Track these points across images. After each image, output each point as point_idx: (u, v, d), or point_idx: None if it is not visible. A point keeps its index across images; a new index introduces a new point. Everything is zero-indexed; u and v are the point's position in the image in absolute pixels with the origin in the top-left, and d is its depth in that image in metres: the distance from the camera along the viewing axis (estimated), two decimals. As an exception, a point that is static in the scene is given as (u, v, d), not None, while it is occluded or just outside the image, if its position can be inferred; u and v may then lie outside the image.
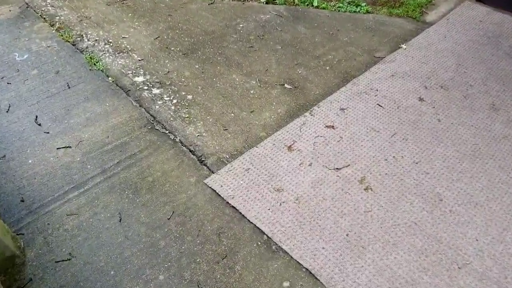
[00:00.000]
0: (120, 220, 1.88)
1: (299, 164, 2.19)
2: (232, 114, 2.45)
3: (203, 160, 2.17)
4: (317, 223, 1.91)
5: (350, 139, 2.34)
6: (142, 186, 2.03)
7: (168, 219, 1.89)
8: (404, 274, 1.75)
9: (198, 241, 1.82)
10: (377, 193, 2.06)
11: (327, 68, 2.88)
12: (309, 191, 2.05)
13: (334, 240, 1.85)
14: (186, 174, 2.09)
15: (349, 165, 2.20)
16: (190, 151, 2.22)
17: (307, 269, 1.74)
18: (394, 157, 2.25)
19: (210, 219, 1.90)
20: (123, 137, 2.27)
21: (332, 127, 2.42)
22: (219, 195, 2.00)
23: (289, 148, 2.27)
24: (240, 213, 1.94)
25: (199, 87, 2.64)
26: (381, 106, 2.57)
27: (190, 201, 1.97)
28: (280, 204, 1.98)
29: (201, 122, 2.38)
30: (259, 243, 1.82)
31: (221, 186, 2.04)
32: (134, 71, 2.75)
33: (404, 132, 2.41)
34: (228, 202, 1.98)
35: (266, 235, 1.86)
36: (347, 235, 1.88)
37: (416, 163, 2.23)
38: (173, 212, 1.92)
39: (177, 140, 2.27)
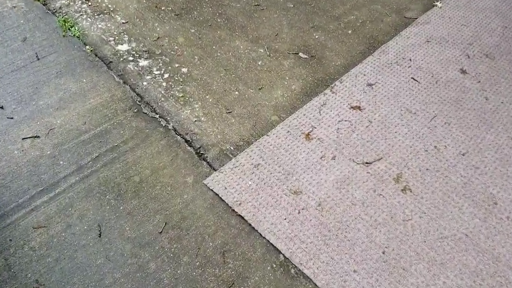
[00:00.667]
0: (100, 234, 1.50)
1: (320, 158, 1.78)
2: (237, 92, 2.01)
3: (202, 154, 1.76)
4: (346, 236, 1.54)
5: (381, 124, 1.92)
6: (127, 189, 1.63)
7: (160, 232, 1.52)
8: (456, 305, 1.40)
9: (198, 263, 1.45)
10: (418, 195, 1.68)
11: (349, 31, 2.40)
12: (334, 194, 1.66)
13: (367, 260, 1.49)
14: (181, 173, 1.69)
15: (381, 158, 1.80)
16: (186, 141, 1.80)
17: (334, 298, 1.40)
18: (435, 147, 1.84)
19: (212, 232, 1.52)
20: (103, 124, 1.85)
21: (359, 108, 1.98)
22: (223, 200, 1.61)
23: (307, 136, 1.85)
24: (249, 224, 1.56)
25: (196, 57, 2.17)
26: (416, 81, 2.12)
27: (187, 209, 1.58)
28: (299, 212, 1.60)
29: (199, 103, 1.95)
30: (274, 265, 1.46)
31: (225, 188, 1.64)
32: (116, 38, 2.27)
33: (446, 114, 1.98)
34: (234, 210, 1.59)
35: (283, 255, 1.49)
36: (383, 252, 1.51)
37: (463, 155, 1.82)
38: (165, 223, 1.54)
39: (170, 127, 1.85)
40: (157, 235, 1.51)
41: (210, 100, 1.97)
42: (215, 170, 1.70)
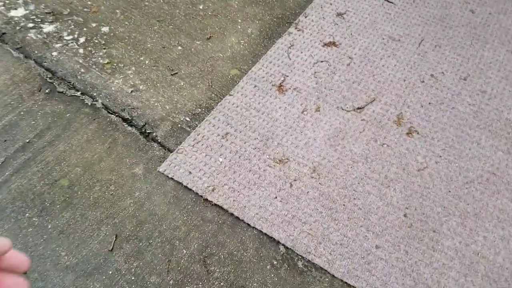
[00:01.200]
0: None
1: (302, 112, 1.40)
2: (180, 48, 1.55)
3: (149, 133, 1.31)
4: (355, 204, 1.19)
5: (363, 59, 1.56)
6: (54, 199, 1.17)
7: (111, 250, 1.09)
8: (507, 264, 1.12)
9: (172, 281, 1.05)
10: (427, 136, 1.36)
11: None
12: (329, 153, 1.30)
13: (389, 228, 1.16)
14: (125, 163, 1.24)
15: (374, 99, 1.45)
16: (125, 120, 1.34)
17: (360, 288, 1.06)
18: (432, 75, 1.52)
19: (183, 235, 1.12)
20: (5, 116, 1.33)
21: (333, 43, 1.61)
22: (190, 189, 1.20)
23: (280, 88, 1.46)
24: (231, 214, 1.16)
25: (117, 11, 1.66)
26: (390, 2, 1.77)
27: (143, 210, 1.15)
28: (291, 185, 1.22)
29: (133, 68, 1.48)
30: (275, 261, 1.09)
31: (189, 172, 1.22)
32: (7, 1, 1.69)
33: (434, 36, 1.66)
34: (207, 199, 1.18)
35: (283, 245, 1.12)
36: (405, 215, 1.19)
37: (465, 80, 1.52)
38: (116, 236, 1.11)
39: (99, 104, 1.37)
40: (107, 254, 1.08)
41: (147, 62, 1.50)
42: (171, 152, 1.27)
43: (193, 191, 1.19)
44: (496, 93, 1.48)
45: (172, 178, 1.21)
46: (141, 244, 1.10)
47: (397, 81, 1.50)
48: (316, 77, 1.49)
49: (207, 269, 1.07)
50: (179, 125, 1.33)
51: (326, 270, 1.08)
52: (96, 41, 1.55)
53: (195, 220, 1.15)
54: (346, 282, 1.06)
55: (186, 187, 1.20)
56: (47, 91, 1.40)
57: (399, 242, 1.14)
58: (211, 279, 1.05)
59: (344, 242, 1.12)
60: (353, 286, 1.06)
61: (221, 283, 1.04)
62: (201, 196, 1.18)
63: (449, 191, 1.24)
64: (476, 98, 1.47)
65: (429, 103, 1.44)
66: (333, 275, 1.07)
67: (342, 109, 1.41)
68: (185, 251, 1.09)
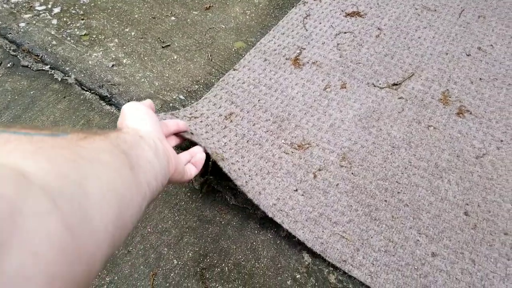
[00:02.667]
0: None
1: (324, 89, 1.13)
2: (173, 18, 1.29)
3: (133, 113, 1.04)
4: (401, 200, 0.91)
5: (395, 30, 1.30)
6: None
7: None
8: None
9: (157, 304, 0.76)
10: (482, 117, 1.08)
11: None
12: (361, 137, 1.02)
13: (446, 231, 0.86)
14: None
15: (413, 74, 1.18)
16: (102, 98, 1.07)
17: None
18: (479, 48, 1.26)
19: (173, 241, 0.83)
20: (-48, 94, 1.07)
21: (358, 14, 1.35)
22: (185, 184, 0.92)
23: (296, 62, 1.19)
24: (237, 214, 0.88)
25: (101, -19, 1.42)
26: (420, -27, 1.52)
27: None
28: (315, 176, 0.94)
29: (116, 40, 1.21)
30: (298, 275, 0.80)
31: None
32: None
33: (475, 6, 1.40)
34: (208, 182, 0.90)
35: (309, 253, 0.83)
36: (465, 213, 0.90)
37: (519, 53, 1.25)
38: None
39: (71, 80, 1.10)
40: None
41: (133, 33, 1.24)
42: (160, 134, 1.00)
43: (186, 184, 0.91)
44: (559, 68, 1.21)
45: (160, 167, 0.93)
46: (117, 252, 0.81)
47: (437, 55, 1.23)
48: (339, 50, 1.23)
49: (205, 285, 0.77)
50: (170, 104, 1.06)
51: (368, 287, 0.79)
52: (74, 11, 1.29)
53: (190, 221, 0.86)
54: (399, 304, 0.77)
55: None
56: (8, 65, 1.13)
57: (463, 248, 0.84)
58: (211, 300, 0.76)
59: (390, 249, 0.83)
60: (410, 310, 0.77)
61: (225, 307, 0.75)
62: (198, 187, 0.90)
63: (520, 183, 0.95)
64: (535, 73, 1.20)
65: (480, 79, 1.17)
66: (380, 295, 0.78)
67: (374, 86, 1.14)
68: (176, 262, 0.80)
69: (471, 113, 1.09)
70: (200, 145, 0.82)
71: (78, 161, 0.32)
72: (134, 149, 0.44)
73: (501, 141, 1.03)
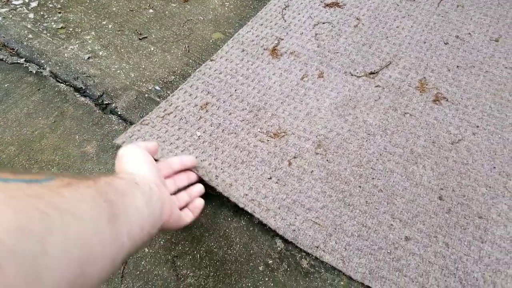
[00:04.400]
0: None
1: (302, 78, 1.13)
2: (151, 10, 1.29)
3: (107, 104, 1.03)
4: (375, 186, 0.91)
5: (374, 20, 1.30)
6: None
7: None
8: None
9: (128, 292, 0.75)
10: (458, 103, 1.08)
11: None
12: (337, 124, 1.02)
13: (420, 215, 0.86)
14: (74, 140, 0.96)
15: (390, 62, 1.18)
16: (77, 90, 1.06)
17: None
18: (457, 36, 1.26)
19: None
20: None
21: (337, 4, 1.35)
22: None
23: (274, 52, 1.19)
24: (211, 202, 0.87)
25: (80, -25, 1.41)
26: (400, -36, 1.52)
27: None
28: (290, 163, 0.94)
29: (93, 33, 1.21)
30: (270, 260, 0.79)
31: (161, 148, 0.94)
32: None
33: (454, -4, 1.40)
34: (179, 182, 0.90)
35: (281, 239, 0.83)
36: (440, 198, 0.89)
37: (496, 41, 1.25)
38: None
39: (46, 73, 1.09)
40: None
41: (110, 26, 1.23)
42: (132, 124, 0.99)
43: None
44: (536, 54, 1.22)
45: (133, 157, 0.93)
46: (87, 242, 0.80)
47: (415, 43, 1.23)
48: (317, 40, 1.22)
49: (176, 273, 0.77)
50: (146, 95, 1.05)
51: (340, 271, 0.78)
52: (51, 5, 1.29)
53: (162, 209, 0.85)
54: (368, 286, 0.77)
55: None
56: (-17, 59, 1.12)
57: (436, 232, 0.84)
58: (182, 286, 0.75)
59: (363, 234, 0.83)
60: (382, 294, 0.77)
61: (196, 293, 0.75)
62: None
63: (494, 167, 0.95)
64: (512, 60, 1.20)
65: (457, 67, 1.17)
66: (350, 277, 0.77)
67: (352, 75, 1.14)
68: (147, 250, 0.80)
69: (447, 100, 1.09)
70: (204, 179, 0.84)
71: (49, 212, 0.31)
72: (123, 197, 0.44)
73: (477, 127, 1.03)
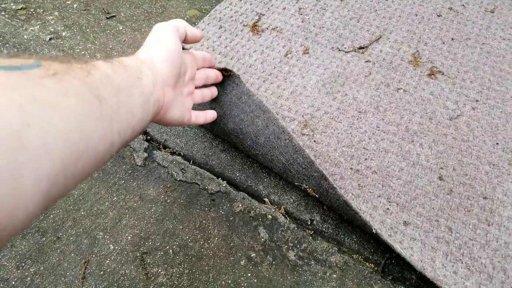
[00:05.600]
0: None
1: (285, 55, 1.03)
2: (120, -12, 1.19)
3: (70, 87, 0.94)
4: (369, 167, 0.82)
5: (361, -6, 1.21)
6: None
7: None
8: None
9: (90, 295, 0.66)
10: (455, 77, 1.00)
11: None
12: (325, 103, 0.93)
13: (420, 197, 0.78)
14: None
15: (380, 36, 1.09)
16: (36, 73, 0.96)
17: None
18: (450, 8, 1.17)
19: (110, 224, 0.72)
20: None
21: (321, -22, 1.26)
22: (123, 158, 0.81)
23: (254, 28, 1.09)
24: (184, 191, 0.78)
25: (43, -46, 1.30)
26: None
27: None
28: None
29: (55, 13, 1.10)
30: (253, 253, 0.70)
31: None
32: None
33: (445, -32, 1.32)
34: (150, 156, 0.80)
35: (265, 229, 0.73)
36: (440, 178, 0.81)
37: (492, 12, 1.17)
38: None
39: (2, 56, 0.99)
40: None
41: (75, 6, 1.12)
42: (100, 108, 0.90)
43: (127, 160, 0.81)
44: (535, 25, 1.14)
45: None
46: (44, 239, 0.70)
47: (406, 16, 1.15)
48: (301, 14, 1.13)
49: (146, 271, 0.67)
50: (113, 76, 0.95)
51: (332, 262, 0.69)
52: (10, -15, 1.18)
53: (130, 201, 0.76)
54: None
55: (119, 155, 0.81)
56: None
57: (438, 216, 0.76)
58: (153, 286, 0.66)
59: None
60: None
61: (168, 293, 0.65)
62: (141, 165, 0.80)
63: (497, 144, 0.87)
64: (510, 32, 1.12)
65: (452, 39, 1.09)
66: (344, 269, 0.69)
67: (339, 50, 1.05)
68: (112, 247, 0.70)
69: (443, 74, 1.00)
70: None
71: (27, 105, 0.28)
72: (118, 94, 0.39)
73: (477, 101, 0.95)
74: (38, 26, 1.05)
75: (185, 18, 1.11)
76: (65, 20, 1.08)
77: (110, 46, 1.01)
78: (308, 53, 1.04)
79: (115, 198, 0.76)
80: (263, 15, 1.13)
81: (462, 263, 0.70)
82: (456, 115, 0.92)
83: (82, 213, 0.74)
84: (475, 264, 0.70)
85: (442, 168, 0.83)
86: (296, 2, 1.16)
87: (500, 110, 0.93)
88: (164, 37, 0.51)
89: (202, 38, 0.64)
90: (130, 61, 0.46)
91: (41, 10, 1.10)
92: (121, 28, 1.06)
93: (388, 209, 0.76)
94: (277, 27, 1.09)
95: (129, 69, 0.44)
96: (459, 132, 0.89)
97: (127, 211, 0.74)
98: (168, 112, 0.52)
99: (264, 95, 0.93)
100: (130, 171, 0.79)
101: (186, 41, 0.59)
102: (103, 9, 1.11)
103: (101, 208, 0.74)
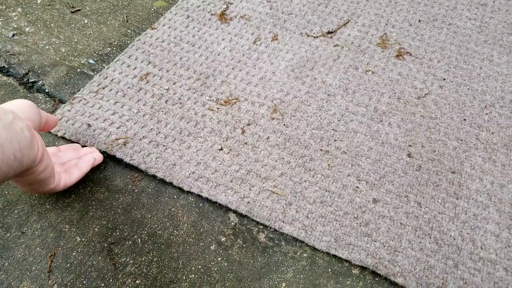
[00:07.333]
0: None
1: (254, 42, 1.03)
2: (85, -18, 1.17)
3: (33, 82, 0.91)
4: (338, 147, 0.82)
5: (329, -20, 1.21)
6: None
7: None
8: (561, 203, 0.76)
9: (57, 287, 0.64)
10: (423, 57, 1.00)
11: None
12: (294, 87, 0.93)
13: (389, 175, 0.78)
14: (-6, 123, 0.84)
15: (348, 21, 1.09)
16: (-1, 69, 0.94)
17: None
18: (417, -9, 1.19)
19: (76, 217, 0.71)
20: None
21: (289, -34, 1.25)
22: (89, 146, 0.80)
23: (222, 16, 1.09)
24: (154, 177, 0.77)
25: (5, -49, 1.27)
26: None
27: (14, 186, 0.75)
28: (243, 131, 0.84)
29: (19, 9, 1.08)
30: (223, 238, 0.69)
31: (89, 125, 0.82)
32: None
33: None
34: (119, 159, 0.79)
35: (235, 213, 0.73)
36: (408, 155, 0.81)
37: (455, 9, 1.19)
38: (-31, 227, 0.70)
39: (-38, 53, 0.96)
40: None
41: (39, 1, 1.10)
42: (63, 102, 0.87)
43: (96, 149, 0.79)
44: (500, 5, 1.16)
45: (63, 137, 0.81)
46: (8, 235, 0.69)
47: (374, 0, 1.15)
48: (269, 2, 1.13)
49: (113, 261, 0.66)
50: (78, 70, 0.93)
51: (302, 242, 0.69)
52: (-29, -18, 1.15)
53: (97, 193, 0.74)
54: (334, 255, 0.68)
55: (84, 146, 0.80)
56: None
57: (407, 192, 0.76)
58: (121, 276, 0.64)
59: (327, 199, 0.74)
60: (346, 260, 0.68)
61: (137, 281, 0.64)
62: (105, 152, 0.78)
63: (464, 119, 0.88)
64: (476, 11, 1.13)
65: (419, 21, 1.10)
66: (314, 247, 0.68)
67: (308, 35, 1.05)
68: (79, 239, 0.68)
69: (411, 54, 1.01)
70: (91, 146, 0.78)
71: None
72: None
73: (444, 79, 0.96)
74: (0, 23, 1.03)
75: (152, 9, 1.10)
76: (28, 16, 1.05)
77: (75, 40, 1.00)
78: (277, 39, 1.03)
79: (81, 190, 0.74)
80: (231, 3, 1.12)
81: (430, 237, 0.70)
82: (424, 94, 0.93)
83: (48, 206, 0.72)
84: (444, 238, 0.70)
85: (410, 145, 0.83)
86: (264, -10, 1.16)
87: (467, 87, 0.95)
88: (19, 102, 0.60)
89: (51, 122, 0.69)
90: None
91: (4, 7, 1.08)
92: (86, 21, 1.05)
93: (357, 187, 0.76)
94: (245, 15, 1.09)
95: None
96: (427, 110, 0.90)
97: (93, 202, 0.73)
98: (45, 155, 0.59)
99: (233, 82, 0.93)
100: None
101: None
102: (68, 3, 1.09)
103: (67, 201, 0.73)
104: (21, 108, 0.57)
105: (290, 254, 0.67)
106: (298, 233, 0.69)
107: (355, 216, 0.72)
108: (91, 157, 0.73)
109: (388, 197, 0.75)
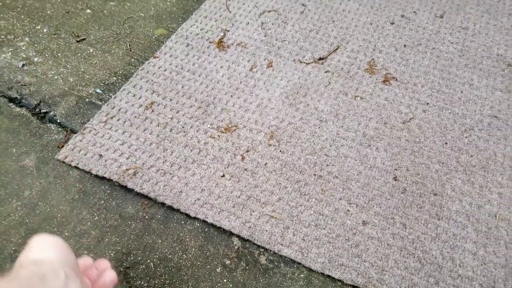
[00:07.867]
0: None
1: (250, 69, 1.10)
2: (89, 11, 1.22)
3: (45, 113, 0.97)
4: (330, 172, 0.89)
5: (319, 5, 1.28)
6: None
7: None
8: (531, 221, 0.84)
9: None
10: (408, 82, 1.08)
11: None
12: (289, 113, 1.00)
13: (377, 198, 0.86)
14: (11, 154, 0.89)
15: (338, 47, 1.17)
16: (11, 100, 0.99)
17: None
18: (402, 16, 1.26)
19: (93, 243, 0.77)
20: None
21: (282, -8, 1.32)
22: (102, 179, 0.86)
23: (220, 44, 1.15)
24: (163, 204, 0.84)
25: (9, -22, 1.32)
26: None
27: (35, 215, 0.80)
28: (243, 158, 0.91)
29: (27, 39, 1.13)
30: (228, 261, 0.76)
31: (101, 156, 0.89)
32: None
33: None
34: (127, 187, 0.85)
35: (238, 237, 0.80)
36: (394, 178, 0.89)
37: (441, 17, 1.26)
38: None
39: (-24, 85, 1.02)
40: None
41: (45, 30, 1.16)
42: (75, 133, 0.94)
43: (106, 180, 0.86)
44: (480, 28, 1.24)
45: (76, 167, 0.87)
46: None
47: (362, 26, 1.23)
48: (264, 29, 1.20)
49: (130, 285, 0.73)
50: (86, 99, 1.00)
51: (299, 263, 0.77)
52: (-22, 12, 1.20)
53: (110, 220, 0.81)
54: (328, 276, 0.75)
55: (96, 176, 0.86)
56: None
57: (393, 214, 0.84)
58: (136, 299, 0.72)
59: (320, 222, 0.82)
60: (339, 280, 0.75)
61: (151, 303, 0.71)
62: (118, 183, 0.85)
63: (446, 143, 0.96)
64: (458, 35, 1.21)
65: (404, 46, 1.17)
66: (310, 268, 0.76)
67: (300, 62, 1.12)
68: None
69: (396, 79, 1.09)
70: None
71: None
72: None
73: (427, 104, 1.04)
74: (10, 53, 1.09)
75: (153, 37, 1.16)
76: (36, 45, 1.11)
77: (82, 70, 1.06)
78: (272, 66, 1.10)
79: (96, 217, 0.81)
80: (228, 31, 1.19)
81: (414, 257, 0.78)
82: (408, 119, 1.01)
83: (66, 234, 0.78)
84: (426, 257, 0.78)
85: (396, 169, 0.91)
86: (259, 17, 1.23)
87: (449, 111, 1.03)
88: (47, 241, 0.45)
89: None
90: (20, 272, 0.40)
91: (12, 37, 1.13)
92: (91, 50, 1.11)
93: (348, 210, 0.84)
94: (241, 42, 1.16)
95: (25, 276, 0.39)
96: (411, 134, 0.97)
97: (108, 229, 0.79)
98: None
99: (232, 109, 1.00)
100: (109, 191, 0.84)
101: None
102: (73, 32, 1.15)
103: (83, 228, 0.79)
104: (59, 256, 0.45)
105: (288, 275, 0.75)
106: (295, 255, 0.77)
107: (347, 238, 0.80)
108: (112, 273, 0.56)
109: (376, 219, 0.83)
